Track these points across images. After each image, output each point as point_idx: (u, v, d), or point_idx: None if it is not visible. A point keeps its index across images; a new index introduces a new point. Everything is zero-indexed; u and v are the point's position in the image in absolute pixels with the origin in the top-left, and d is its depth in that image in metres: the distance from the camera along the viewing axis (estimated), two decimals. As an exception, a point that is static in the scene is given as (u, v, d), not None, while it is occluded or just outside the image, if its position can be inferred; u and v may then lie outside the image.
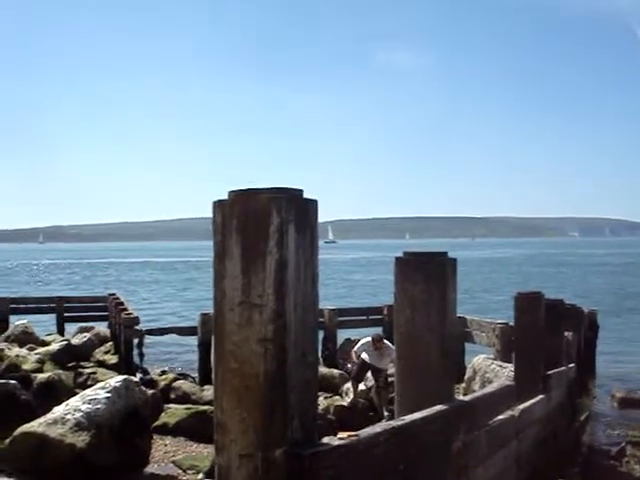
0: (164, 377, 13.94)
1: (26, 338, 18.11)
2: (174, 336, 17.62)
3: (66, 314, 20.96)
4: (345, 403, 11.83)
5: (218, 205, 2.88)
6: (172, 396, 12.88)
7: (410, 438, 3.68)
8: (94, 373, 14.42)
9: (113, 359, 16.60)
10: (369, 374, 11.82)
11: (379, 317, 17.58)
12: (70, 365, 15.65)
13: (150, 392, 10.88)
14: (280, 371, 2.73)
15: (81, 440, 8.19)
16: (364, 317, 18.01)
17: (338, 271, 75.48)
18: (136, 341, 15.54)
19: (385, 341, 11.59)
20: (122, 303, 17.93)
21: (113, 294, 20.58)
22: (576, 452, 9.61)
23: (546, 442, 7.63)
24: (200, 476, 8.85)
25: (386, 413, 10.87)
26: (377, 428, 3.49)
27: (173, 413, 11.32)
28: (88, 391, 9.16)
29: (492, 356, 12.82)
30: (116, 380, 9.26)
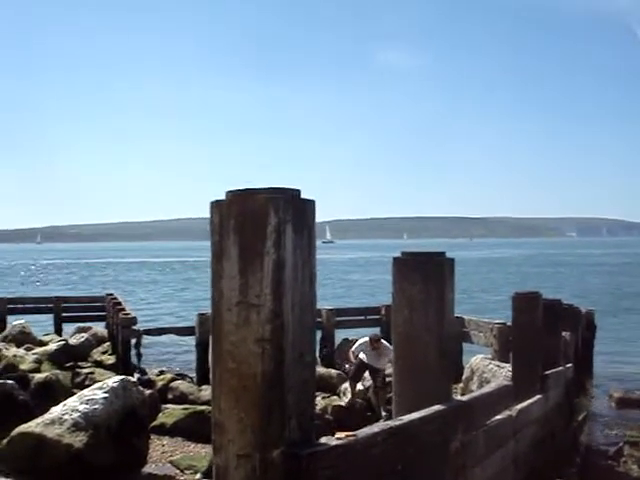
0: (162, 377, 13.92)
1: (24, 338, 18.10)
2: (172, 336, 17.61)
3: (64, 314, 20.95)
4: (343, 403, 11.83)
5: (215, 205, 2.88)
6: (170, 396, 12.86)
7: (408, 438, 3.68)
8: (92, 373, 14.41)
9: (111, 359, 16.58)
10: (367, 374, 11.82)
11: (377, 317, 17.58)
12: (68, 365, 15.65)
13: (148, 392, 10.87)
14: (278, 371, 2.73)
15: (79, 440, 8.19)
16: (362, 317, 18.01)
17: (336, 271, 75.48)
18: (134, 341, 15.52)
19: (383, 341, 11.59)
20: (120, 303, 17.92)
21: (111, 294, 20.57)
22: (574, 452, 9.62)
23: (544, 442, 7.64)
24: (198, 476, 8.85)
25: (384, 413, 10.87)
26: (375, 428, 3.50)
27: (171, 413, 11.31)
28: (86, 391, 9.15)
29: (490, 356, 12.82)
30: (114, 380, 9.25)
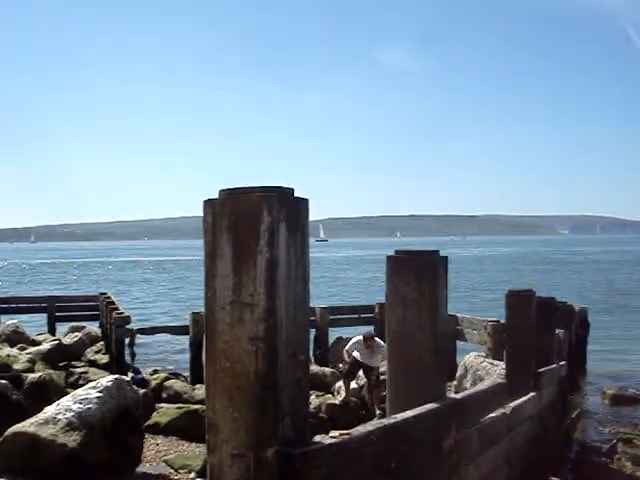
0: (156, 376, 13.90)
1: (17, 338, 18.06)
2: (165, 335, 17.60)
3: (57, 314, 20.93)
4: (337, 401, 11.83)
5: (209, 204, 2.87)
6: (164, 395, 12.84)
7: (402, 436, 3.68)
8: (85, 373, 14.38)
9: (104, 358, 16.57)
10: (361, 372, 11.83)
11: (370, 315, 17.62)
12: (61, 365, 15.62)
13: (142, 391, 10.86)
14: (271, 370, 2.73)
15: (72, 440, 8.16)
16: (356, 315, 18.05)
17: (329, 270, 75.51)
18: (127, 340, 15.51)
19: (376, 339, 11.60)
20: (113, 302, 17.90)
21: (104, 293, 20.55)
22: (567, 449, 9.66)
23: (537, 439, 7.66)
24: (192, 475, 8.84)
25: (378, 411, 10.88)
26: (369, 426, 3.49)
27: (165, 412, 11.29)
28: (79, 391, 9.12)
29: (483, 354, 12.86)
30: (107, 380, 9.22)
